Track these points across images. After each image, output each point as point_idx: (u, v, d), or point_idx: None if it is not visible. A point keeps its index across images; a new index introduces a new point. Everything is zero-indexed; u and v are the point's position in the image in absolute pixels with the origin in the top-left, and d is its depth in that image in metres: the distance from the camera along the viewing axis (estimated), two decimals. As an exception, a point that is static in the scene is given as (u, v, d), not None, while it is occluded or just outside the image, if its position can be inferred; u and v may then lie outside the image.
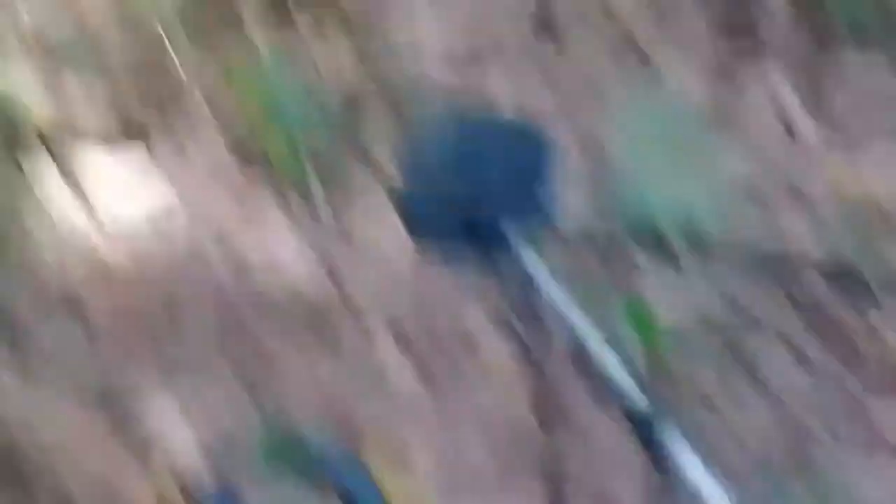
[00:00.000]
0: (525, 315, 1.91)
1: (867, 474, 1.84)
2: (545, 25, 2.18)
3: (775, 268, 2.32)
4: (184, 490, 1.50)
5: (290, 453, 1.60)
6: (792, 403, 1.99)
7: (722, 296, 2.15)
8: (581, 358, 1.56)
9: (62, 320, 1.72)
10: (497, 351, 1.92)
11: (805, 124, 2.36)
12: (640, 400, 1.40)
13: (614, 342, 1.80)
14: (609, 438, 1.78)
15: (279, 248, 1.98)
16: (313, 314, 1.89)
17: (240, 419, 1.68)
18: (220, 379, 1.74)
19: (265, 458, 1.58)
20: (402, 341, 1.91)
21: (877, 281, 2.29)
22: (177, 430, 1.62)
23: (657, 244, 2.26)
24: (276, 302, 1.89)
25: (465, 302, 2.02)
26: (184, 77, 1.98)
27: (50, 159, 1.83)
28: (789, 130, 2.40)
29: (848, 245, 2.31)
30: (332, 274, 1.97)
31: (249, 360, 1.78)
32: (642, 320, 1.89)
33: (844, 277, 2.31)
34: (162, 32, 1.99)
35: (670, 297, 2.12)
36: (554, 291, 1.82)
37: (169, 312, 1.77)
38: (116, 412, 1.63)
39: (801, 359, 2.09)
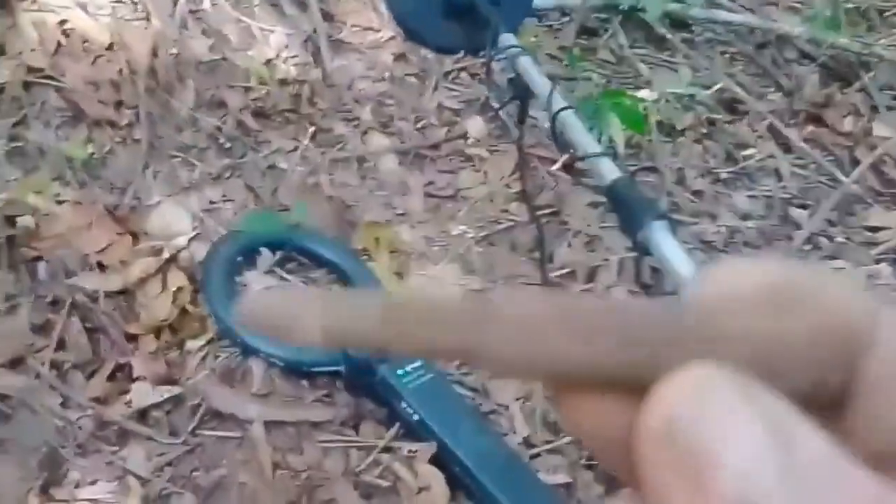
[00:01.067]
0: (505, 95, 1.92)
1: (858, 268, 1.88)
2: None
3: (762, 51, 2.30)
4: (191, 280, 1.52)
5: (284, 239, 1.62)
6: (774, 190, 2.01)
7: (706, 79, 2.14)
8: (560, 136, 1.57)
9: (41, 92, 1.70)
10: (478, 132, 1.93)
11: None
12: (616, 175, 1.43)
13: (594, 121, 1.81)
14: (587, 216, 1.80)
15: (265, 32, 1.95)
16: (296, 97, 1.88)
17: (229, 199, 1.69)
18: (204, 157, 1.73)
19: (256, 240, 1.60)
20: (385, 124, 1.91)
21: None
22: (170, 212, 1.63)
23: (640, 25, 2.24)
24: (258, 83, 1.87)
25: (446, 85, 2.01)
26: None
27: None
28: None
29: (841, 34, 2.28)
30: (317, 58, 1.95)
31: (233, 138, 1.78)
32: (622, 102, 1.88)
33: (833, 64, 2.30)
34: None
35: (654, 78, 2.11)
36: (533, 72, 1.82)
37: (147, 85, 1.75)
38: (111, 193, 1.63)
39: (785, 147, 2.10)
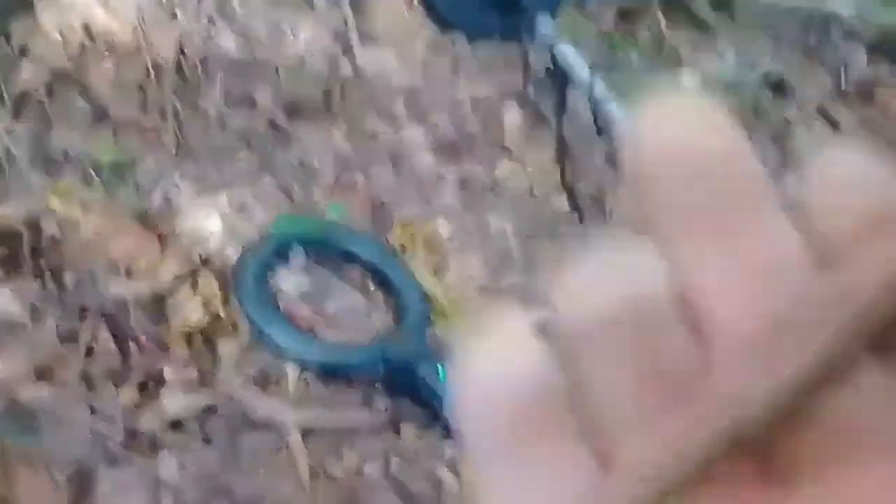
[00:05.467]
0: (543, 84, 1.86)
1: None
2: None
3: (807, 31, 2.23)
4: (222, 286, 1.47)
5: (318, 238, 1.57)
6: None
7: (750, 61, 2.07)
8: (601, 122, 1.52)
9: (65, 95, 1.66)
10: (516, 122, 1.87)
11: None
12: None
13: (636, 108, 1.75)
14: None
15: (294, 27, 1.90)
16: (327, 93, 1.83)
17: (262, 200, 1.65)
18: (235, 157, 1.69)
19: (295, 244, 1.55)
20: (420, 117, 1.86)
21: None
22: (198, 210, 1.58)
23: (681, 7, 2.17)
24: (288, 77, 1.82)
25: (482, 74, 1.96)
26: None
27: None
28: None
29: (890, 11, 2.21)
30: (347, 51, 1.90)
31: (263, 137, 1.73)
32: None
33: (884, 46, 2.22)
34: None
35: (696, 62, 2.05)
36: (572, 58, 1.77)
37: (174, 85, 1.71)
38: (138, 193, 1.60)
39: (835, 129, 2.02)
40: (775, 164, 1.93)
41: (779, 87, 2.06)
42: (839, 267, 0.20)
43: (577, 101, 1.87)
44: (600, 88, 1.78)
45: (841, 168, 0.21)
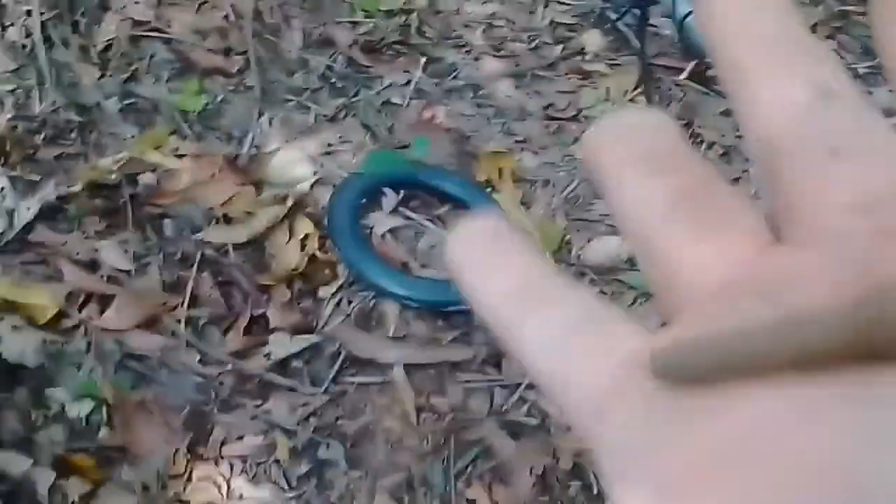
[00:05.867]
0: (623, 4, 1.83)
1: None
2: None
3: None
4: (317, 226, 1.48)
5: (406, 176, 1.57)
6: None
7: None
8: (687, 43, 1.47)
9: (148, 45, 1.67)
10: (596, 46, 1.84)
11: None
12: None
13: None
14: (720, 126, 1.71)
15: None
16: (404, 28, 1.82)
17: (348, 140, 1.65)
18: (318, 99, 1.69)
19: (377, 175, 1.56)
20: (497, 47, 1.84)
21: None
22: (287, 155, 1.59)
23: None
24: (365, 17, 1.81)
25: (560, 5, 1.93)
26: None
27: None
28: None
29: None
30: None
31: (345, 76, 1.73)
32: None
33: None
34: None
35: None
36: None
37: (254, 30, 1.71)
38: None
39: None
40: (866, 73, 1.88)
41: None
42: None
43: (658, 20, 1.83)
44: (684, 4, 1.74)
45: None
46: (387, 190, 1.55)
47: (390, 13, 1.83)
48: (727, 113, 1.71)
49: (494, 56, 1.84)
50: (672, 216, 0.22)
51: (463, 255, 0.24)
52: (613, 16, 1.85)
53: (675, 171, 0.23)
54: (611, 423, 0.21)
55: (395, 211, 1.55)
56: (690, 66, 1.75)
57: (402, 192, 1.56)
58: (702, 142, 1.69)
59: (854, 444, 0.18)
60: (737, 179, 1.63)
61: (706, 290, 0.21)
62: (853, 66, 1.88)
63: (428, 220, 1.55)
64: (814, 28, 1.92)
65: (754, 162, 0.23)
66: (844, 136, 0.22)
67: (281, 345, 1.35)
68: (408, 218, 1.55)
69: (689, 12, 1.49)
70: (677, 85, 1.78)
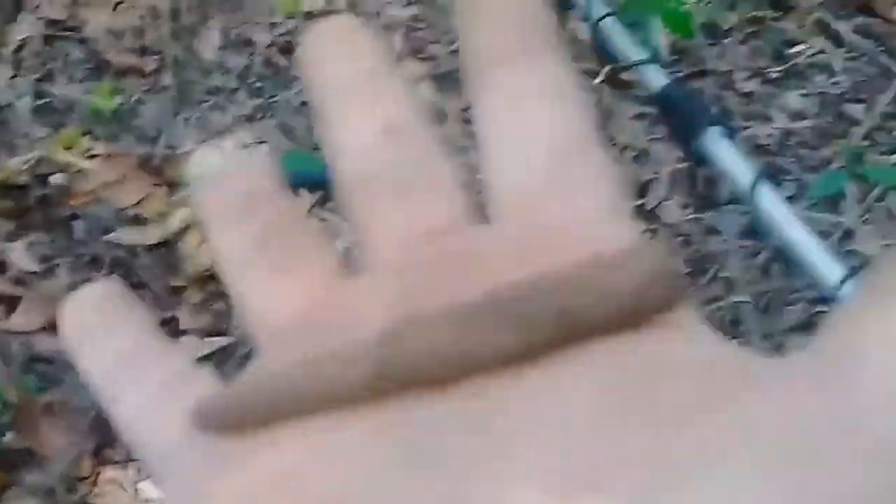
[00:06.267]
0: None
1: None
2: None
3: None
4: None
5: (322, 177, 1.57)
6: (827, 87, 1.92)
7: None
8: (601, 46, 1.49)
9: (63, 45, 1.66)
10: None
11: None
12: (664, 82, 1.36)
13: (636, 27, 1.73)
14: (634, 129, 1.74)
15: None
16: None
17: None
18: (235, 99, 1.69)
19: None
20: (418, 49, 1.85)
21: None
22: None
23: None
24: (285, 17, 1.81)
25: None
26: None
27: None
28: None
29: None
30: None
31: (263, 77, 1.73)
32: (666, 4, 1.80)
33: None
34: None
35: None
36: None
37: (171, 29, 1.70)
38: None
39: (836, 41, 2.01)
40: (777, 77, 1.92)
41: (778, 1, 2.04)
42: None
43: (573, 24, 1.86)
44: (598, 6, 1.76)
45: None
46: (301, 191, 1.55)
47: (310, 15, 1.83)
48: (640, 116, 1.74)
49: (415, 59, 1.85)
50: (254, 256, 0.23)
51: (72, 330, 0.24)
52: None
53: (259, 213, 0.23)
54: (167, 475, 0.21)
55: (310, 211, 1.55)
56: (605, 69, 1.77)
57: (318, 193, 1.56)
58: (615, 144, 1.72)
59: (368, 482, 0.18)
60: (649, 181, 1.66)
61: (281, 329, 0.22)
62: (766, 70, 1.92)
63: (344, 220, 1.56)
64: (727, 33, 1.95)
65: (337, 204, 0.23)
66: (408, 172, 0.22)
67: (191, 347, 1.35)
68: (323, 219, 1.55)
69: (604, 15, 1.50)
70: (592, 88, 1.80)
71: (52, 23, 1.68)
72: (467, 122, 1.75)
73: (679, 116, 1.32)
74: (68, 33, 1.67)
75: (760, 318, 1.49)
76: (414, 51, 1.85)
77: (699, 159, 1.29)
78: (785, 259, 1.44)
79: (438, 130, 0.22)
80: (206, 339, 1.37)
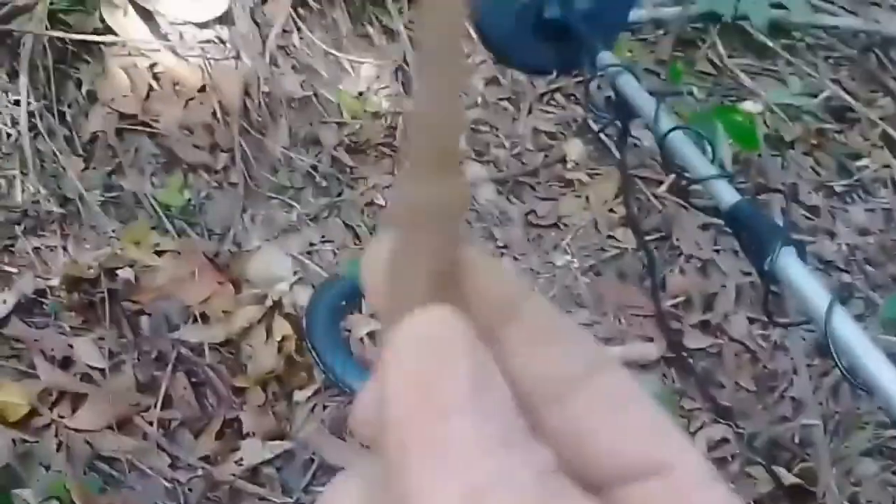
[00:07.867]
0: (603, 116, 1.84)
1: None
2: None
3: (867, 54, 2.20)
4: (297, 330, 1.47)
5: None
6: (892, 202, 1.91)
7: (812, 86, 2.05)
8: (666, 153, 1.48)
9: (134, 139, 1.68)
10: (578, 155, 1.86)
11: None
12: (736, 199, 1.35)
13: (702, 139, 1.73)
14: (699, 239, 1.72)
15: (354, 65, 1.90)
16: (390, 130, 1.83)
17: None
18: (301, 198, 1.70)
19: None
20: (481, 152, 1.86)
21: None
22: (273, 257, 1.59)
23: (739, 33, 2.15)
24: (351, 118, 1.83)
25: (542, 108, 1.95)
26: None
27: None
28: None
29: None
30: (408, 87, 1.90)
31: (329, 176, 1.74)
32: (733, 117, 1.80)
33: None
34: None
35: (757, 89, 2.03)
36: (635, 89, 1.74)
37: (240, 127, 1.72)
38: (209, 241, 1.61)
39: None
40: (842, 192, 1.90)
41: (841, 113, 2.04)
42: None
43: (639, 132, 1.86)
44: (665, 119, 1.76)
45: None
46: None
47: (376, 115, 1.84)
48: (705, 227, 1.73)
49: (478, 161, 1.85)
50: None
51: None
52: (595, 126, 1.88)
53: None
54: None
55: (374, 314, 1.54)
56: (670, 179, 1.77)
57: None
58: (680, 254, 1.71)
59: None
60: (714, 294, 1.64)
61: None
62: (829, 182, 1.91)
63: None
64: (791, 145, 1.95)
65: None
66: None
67: (253, 450, 1.34)
68: (386, 322, 1.54)
69: (672, 129, 1.50)
70: (656, 197, 1.80)
71: (123, 116, 1.70)
72: (530, 224, 1.76)
73: (750, 234, 1.31)
74: (139, 127, 1.69)
75: (830, 440, 1.45)
76: (476, 153, 1.86)
77: (771, 278, 1.28)
78: (855, 381, 1.41)
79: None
80: (268, 443, 1.35)
